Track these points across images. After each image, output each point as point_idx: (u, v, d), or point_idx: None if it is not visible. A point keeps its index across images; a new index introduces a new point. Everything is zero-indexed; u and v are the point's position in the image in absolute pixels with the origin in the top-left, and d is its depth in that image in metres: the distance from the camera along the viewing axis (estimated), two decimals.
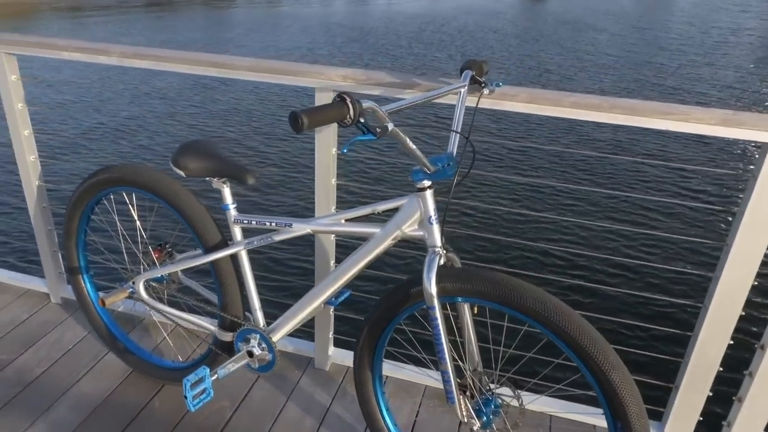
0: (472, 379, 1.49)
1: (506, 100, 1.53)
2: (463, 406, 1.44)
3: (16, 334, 2.25)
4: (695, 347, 1.69)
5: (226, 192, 1.65)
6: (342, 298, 1.66)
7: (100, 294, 1.88)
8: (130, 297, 1.87)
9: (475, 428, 1.44)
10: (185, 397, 1.77)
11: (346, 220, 1.52)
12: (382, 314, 1.51)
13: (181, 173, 1.64)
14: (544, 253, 4.63)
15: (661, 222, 5.28)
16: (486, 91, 1.51)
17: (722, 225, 5.30)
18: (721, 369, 1.71)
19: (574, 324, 1.25)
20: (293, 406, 1.96)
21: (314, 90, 1.71)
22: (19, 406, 1.92)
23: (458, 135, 1.37)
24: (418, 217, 1.38)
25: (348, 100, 1.07)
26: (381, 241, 1.45)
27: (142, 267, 1.89)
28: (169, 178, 1.75)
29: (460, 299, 1.40)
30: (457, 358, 1.47)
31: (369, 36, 14.48)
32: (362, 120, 1.08)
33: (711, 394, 1.76)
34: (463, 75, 1.51)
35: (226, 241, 1.72)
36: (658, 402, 1.86)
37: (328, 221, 1.53)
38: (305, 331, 2.00)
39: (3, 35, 1.98)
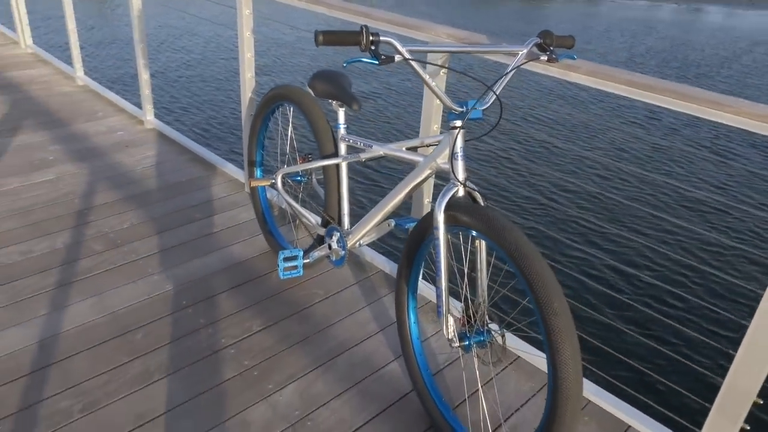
0: (473, 310, 1.66)
1: (570, 70, 1.63)
2: (450, 324, 1.63)
3: (214, 206, 2.97)
4: (732, 369, 1.60)
5: (340, 114, 2.04)
6: (408, 224, 1.94)
7: (248, 178, 2.44)
8: (271, 185, 2.39)
9: (454, 346, 1.63)
10: (278, 266, 2.24)
11: (407, 149, 1.80)
12: (415, 237, 1.76)
13: (311, 92, 2.08)
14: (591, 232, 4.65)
15: (719, 227, 4.90)
16: (543, 58, 1.63)
17: None
18: (761, 401, 1.59)
19: (534, 269, 1.36)
20: (368, 311, 2.31)
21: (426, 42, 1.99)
22: (200, 247, 2.60)
23: (492, 91, 1.55)
24: (449, 152, 1.60)
25: (365, 31, 1.36)
26: (422, 168, 1.70)
27: (285, 165, 2.39)
28: (311, 98, 2.19)
29: (463, 230, 1.58)
30: (467, 288, 1.66)
31: (682, 48, 13.47)
32: (373, 47, 1.37)
33: (746, 426, 1.64)
34: (527, 41, 1.65)
35: (337, 153, 2.12)
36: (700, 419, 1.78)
37: (394, 147, 1.82)
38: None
39: None
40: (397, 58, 1.40)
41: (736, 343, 1.57)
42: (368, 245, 2.59)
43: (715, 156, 6.35)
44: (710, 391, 1.66)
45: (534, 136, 6.61)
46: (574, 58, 1.66)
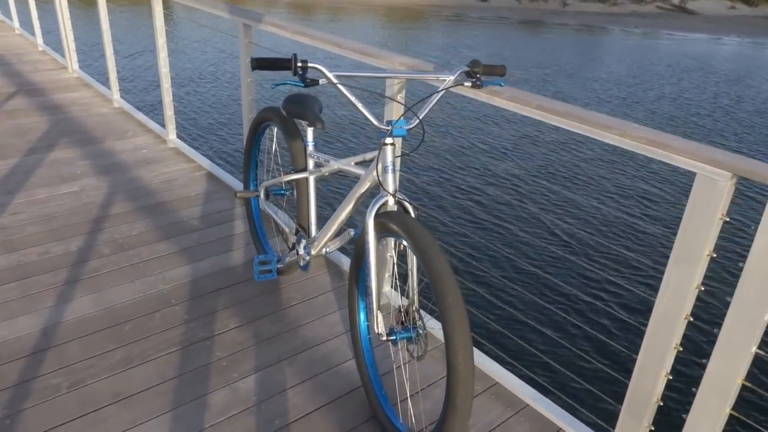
0: (403, 309, 1.85)
1: (494, 95, 1.83)
2: (380, 320, 1.82)
3: (217, 217, 3.24)
4: (634, 372, 1.73)
5: (309, 132, 2.28)
6: (357, 234, 2.15)
7: (236, 190, 2.69)
8: (255, 195, 2.63)
9: (382, 338, 1.81)
10: (253, 268, 2.48)
11: (355, 163, 2.02)
12: (360, 243, 1.96)
13: (284, 113, 2.32)
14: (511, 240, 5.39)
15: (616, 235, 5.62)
16: (468, 84, 1.83)
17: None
18: (662, 404, 1.72)
19: (435, 268, 1.54)
20: (338, 314, 2.51)
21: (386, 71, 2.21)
22: (197, 253, 2.87)
23: (413, 112, 1.76)
24: (379, 166, 1.81)
25: (294, 58, 1.60)
26: (363, 181, 1.92)
27: (268, 178, 2.64)
28: (286, 117, 2.44)
29: (391, 235, 1.78)
30: (400, 287, 1.86)
31: (735, 85, 13.29)
32: (300, 72, 1.60)
33: (653, 428, 1.76)
34: (455, 69, 1.86)
35: (306, 168, 2.35)
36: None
37: (344, 162, 2.04)
38: None
39: (245, 11, 2.93)
40: (322, 81, 1.63)
41: (638, 347, 1.71)
42: (347, 255, 2.81)
43: (606, 172, 7.28)
44: (621, 394, 1.79)
45: (465, 153, 7.62)
46: (501, 85, 1.86)
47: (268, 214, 3.15)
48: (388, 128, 1.73)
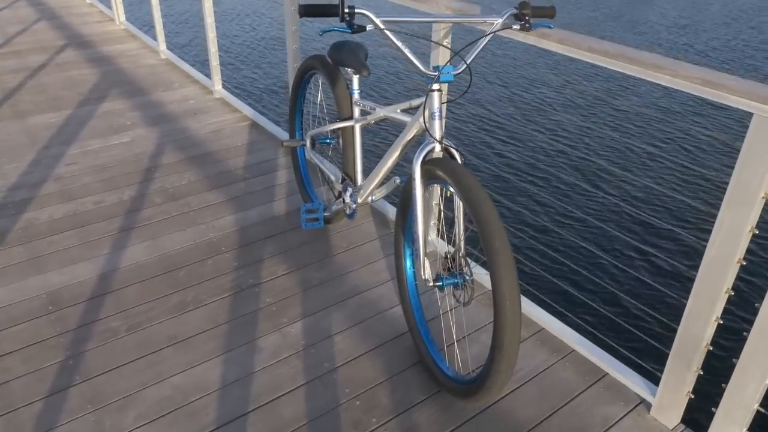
0: (449, 256, 1.85)
1: (543, 38, 1.77)
2: (426, 265, 1.83)
3: (263, 167, 3.28)
4: (684, 317, 1.71)
5: (354, 80, 2.26)
6: (404, 182, 2.14)
7: (282, 139, 2.70)
8: (301, 145, 2.64)
9: (429, 284, 1.83)
10: (300, 217, 2.51)
11: (401, 110, 2.00)
12: (406, 190, 1.96)
13: (329, 61, 2.30)
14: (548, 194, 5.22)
15: (666, 182, 5.45)
16: (516, 27, 1.77)
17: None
18: (712, 348, 1.70)
19: (482, 213, 1.54)
20: (383, 262, 2.53)
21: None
22: (244, 202, 2.93)
23: (460, 57, 1.71)
24: (426, 112, 1.79)
25: (342, 3, 1.57)
26: (409, 128, 1.90)
27: (314, 127, 2.65)
28: (333, 66, 2.42)
29: (437, 182, 1.77)
30: (447, 234, 1.86)
31: None
32: (348, 18, 1.58)
33: (702, 373, 1.75)
34: (503, 11, 1.80)
35: (351, 116, 2.34)
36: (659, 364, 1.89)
37: (390, 109, 2.03)
38: None
39: None
40: (370, 27, 1.60)
41: (688, 292, 1.68)
42: (393, 204, 2.81)
43: (657, 114, 7.04)
44: (669, 339, 1.77)
45: (513, 100, 7.38)
46: (550, 27, 1.79)
47: (314, 164, 3.17)
48: (435, 74, 1.70)
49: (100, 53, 5.14)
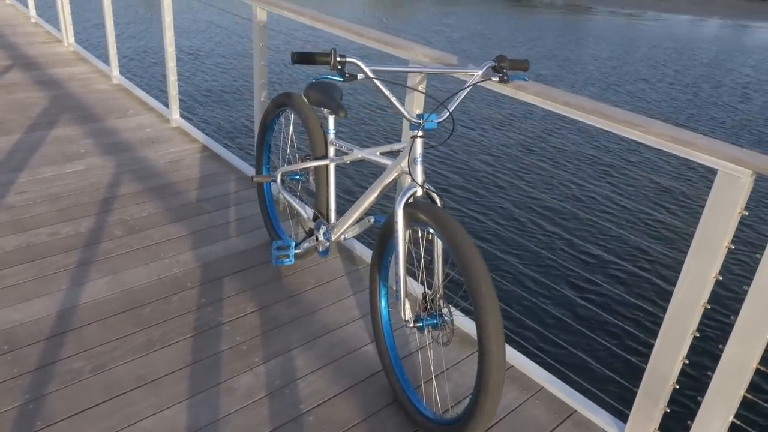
0: (428, 297, 1.88)
1: (520, 90, 1.85)
2: (407, 307, 1.85)
3: (225, 200, 3.25)
4: (652, 356, 1.79)
5: (330, 120, 2.29)
6: (381, 220, 2.17)
7: (252, 175, 2.70)
8: (271, 181, 2.64)
9: (409, 326, 1.85)
10: (271, 254, 2.50)
11: (380, 153, 2.04)
12: (384, 231, 1.99)
13: (306, 100, 2.33)
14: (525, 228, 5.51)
15: (636, 225, 5.81)
16: (495, 79, 1.85)
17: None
18: (678, 386, 1.78)
19: (467, 258, 1.58)
20: (353, 299, 2.54)
21: (408, 61, 2.22)
22: (208, 236, 2.88)
23: (444, 106, 1.77)
24: (409, 157, 1.83)
25: (333, 52, 1.60)
26: (390, 171, 1.94)
27: (285, 164, 2.65)
28: (307, 105, 2.44)
29: (419, 225, 1.81)
30: (425, 275, 1.89)
31: (720, 66, 13.34)
32: (339, 67, 1.61)
33: (668, 410, 1.83)
34: (483, 64, 1.87)
35: (326, 155, 2.36)
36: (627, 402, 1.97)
37: (369, 151, 2.06)
38: None
39: None
40: (360, 76, 1.64)
41: (656, 334, 1.77)
42: (360, 241, 2.83)
43: (631, 167, 7.41)
44: (638, 377, 1.85)
45: (490, 146, 7.63)
46: (525, 80, 1.88)
47: (281, 200, 3.17)
48: (420, 121, 1.75)
49: (49, 76, 4.99)
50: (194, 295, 2.49)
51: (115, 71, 4.92)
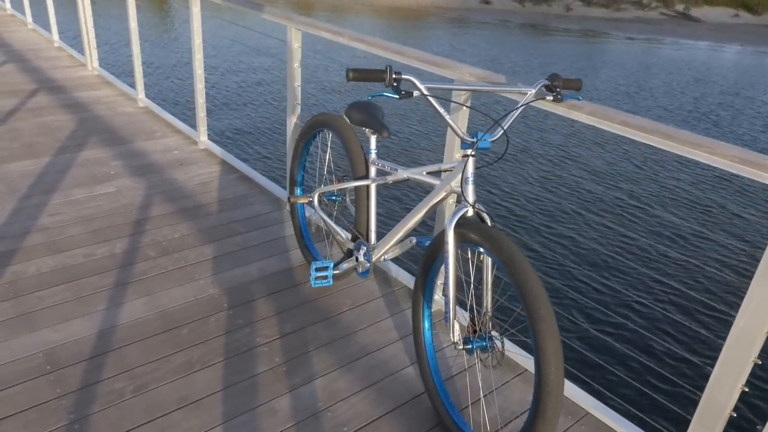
0: (479, 319, 1.86)
1: (574, 110, 1.84)
2: (456, 329, 1.83)
3: (256, 221, 3.25)
4: (709, 384, 1.76)
5: (372, 140, 2.29)
6: (428, 241, 2.16)
7: (289, 195, 2.70)
8: (308, 203, 2.64)
9: (458, 347, 1.83)
10: (309, 274, 2.48)
11: (427, 173, 2.03)
12: (430, 252, 1.98)
13: (347, 120, 2.33)
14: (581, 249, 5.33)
15: (696, 250, 5.62)
16: (549, 98, 1.85)
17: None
18: (734, 414, 1.74)
19: (525, 279, 1.56)
20: (390, 321, 2.52)
21: (453, 81, 2.22)
22: (242, 257, 2.88)
23: (499, 125, 1.77)
24: (461, 177, 1.82)
25: (389, 69, 1.61)
26: (438, 190, 1.93)
27: (322, 185, 2.65)
28: (347, 125, 2.45)
29: (470, 246, 1.80)
30: (473, 299, 1.87)
31: (741, 94, 13.32)
32: (395, 84, 1.61)
33: None
34: (536, 83, 1.87)
35: (367, 175, 2.36)
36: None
37: (416, 171, 2.06)
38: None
39: (295, 16, 2.93)
40: (416, 93, 1.64)
41: (713, 360, 1.73)
42: (395, 262, 2.82)
43: (692, 189, 7.20)
44: (691, 405, 1.81)
45: (541, 167, 7.42)
46: (579, 99, 1.88)
47: (315, 219, 3.16)
48: (474, 140, 1.75)
49: (74, 99, 5.05)
50: (231, 316, 2.48)
51: (141, 94, 4.98)
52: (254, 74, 10.58)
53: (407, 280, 2.78)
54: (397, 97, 1.62)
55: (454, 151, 2.34)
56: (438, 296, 2.54)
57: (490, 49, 16.17)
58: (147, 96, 5.06)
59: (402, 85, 1.64)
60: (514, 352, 2.33)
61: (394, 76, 1.62)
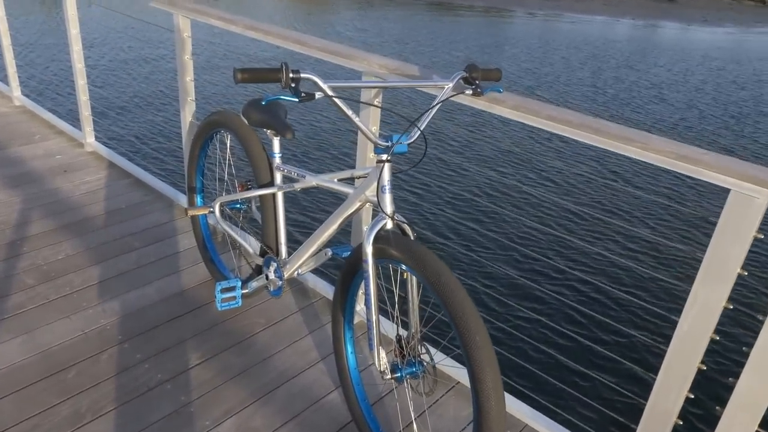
0: (404, 341, 1.67)
1: (495, 104, 1.66)
2: (382, 356, 1.63)
3: (155, 233, 2.92)
4: (654, 390, 1.65)
5: (275, 142, 2.03)
6: (345, 252, 1.94)
7: (186, 206, 2.40)
8: (209, 213, 2.35)
9: (386, 377, 1.63)
10: (215, 297, 2.21)
11: (339, 180, 1.80)
12: (348, 267, 1.76)
13: (245, 121, 2.06)
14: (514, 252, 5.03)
15: (638, 251, 5.35)
16: (469, 92, 1.66)
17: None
18: (681, 422, 1.64)
19: (456, 302, 1.37)
20: (309, 339, 2.29)
21: (361, 73, 2.00)
22: (139, 277, 2.55)
23: (416, 126, 1.56)
24: (377, 185, 1.61)
25: (285, 68, 1.36)
26: (352, 200, 1.71)
27: (224, 193, 2.37)
28: (246, 125, 2.17)
29: (391, 262, 1.59)
30: (399, 321, 1.67)
31: (636, 65, 13.75)
32: (293, 85, 1.37)
33: None
34: (453, 75, 1.68)
35: (272, 182, 2.10)
36: None
37: (327, 178, 1.82)
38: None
39: (182, 2, 2.60)
40: (318, 94, 1.40)
41: (658, 366, 1.62)
42: (311, 272, 2.58)
43: (624, 186, 6.89)
44: (637, 413, 1.70)
45: (462, 166, 6.97)
46: (500, 91, 1.69)
47: (220, 230, 2.87)
48: (389, 144, 1.53)
49: None
50: (126, 350, 2.17)
51: (16, 91, 4.44)
52: (144, 66, 9.83)
53: (326, 290, 2.56)
54: (297, 100, 1.38)
55: (367, 155, 2.12)
56: (360, 307, 2.33)
57: (393, 29, 15.95)
58: (23, 93, 4.52)
59: (302, 86, 1.40)
60: (444, 364, 2.16)
61: (291, 75, 1.37)
